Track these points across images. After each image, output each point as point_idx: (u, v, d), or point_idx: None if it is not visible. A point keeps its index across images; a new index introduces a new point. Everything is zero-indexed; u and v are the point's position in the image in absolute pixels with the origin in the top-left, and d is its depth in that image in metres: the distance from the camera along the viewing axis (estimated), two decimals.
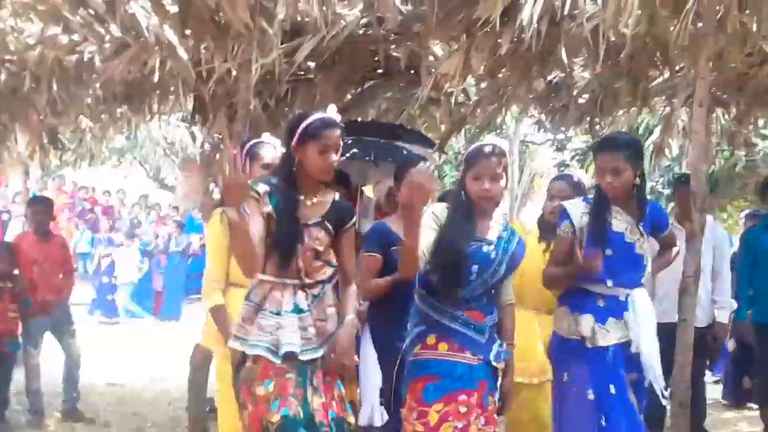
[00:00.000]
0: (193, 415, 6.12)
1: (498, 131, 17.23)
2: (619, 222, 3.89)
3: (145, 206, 16.99)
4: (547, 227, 4.62)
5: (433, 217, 3.54)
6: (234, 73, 6.25)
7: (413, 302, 3.65)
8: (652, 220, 4.02)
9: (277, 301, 3.32)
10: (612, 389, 3.78)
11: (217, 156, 7.64)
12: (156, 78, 6.12)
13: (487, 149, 3.56)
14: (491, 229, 3.61)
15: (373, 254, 4.35)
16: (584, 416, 3.81)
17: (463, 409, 3.44)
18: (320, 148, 3.30)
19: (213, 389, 4.92)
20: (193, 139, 13.52)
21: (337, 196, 3.49)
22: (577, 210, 3.96)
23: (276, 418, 3.19)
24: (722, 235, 6.46)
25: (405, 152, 6.39)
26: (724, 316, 6.23)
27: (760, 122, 8.56)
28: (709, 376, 7.36)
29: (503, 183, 3.56)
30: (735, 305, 6.51)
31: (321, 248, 3.39)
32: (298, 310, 3.32)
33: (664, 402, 4.15)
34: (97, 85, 6.90)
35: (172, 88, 7.03)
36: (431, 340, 3.54)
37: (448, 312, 3.53)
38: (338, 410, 3.34)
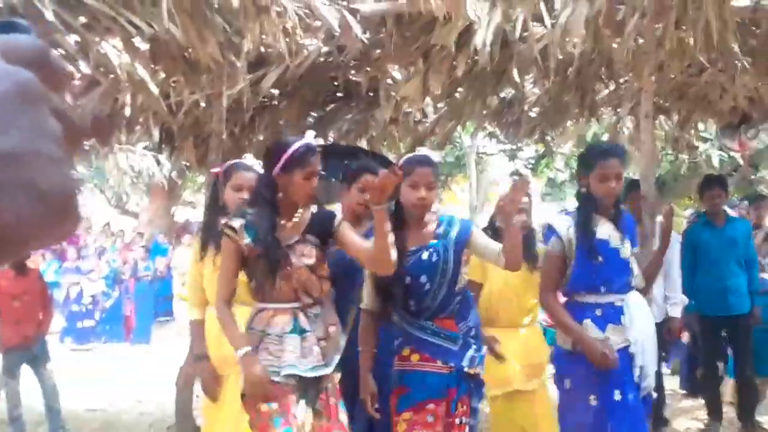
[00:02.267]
0: None
1: (454, 146, 17.54)
2: (603, 229, 3.91)
3: (110, 233, 17.03)
4: (493, 228, 4.60)
5: None
6: (202, 103, 6.48)
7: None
8: (628, 226, 4.03)
9: (278, 325, 3.36)
10: (617, 395, 3.81)
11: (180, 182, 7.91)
12: (128, 112, 6.31)
13: (423, 159, 3.67)
14: (427, 232, 3.68)
15: None
16: (588, 422, 3.83)
17: (430, 419, 3.54)
18: (306, 174, 3.34)
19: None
20: (158, 164, 13.71)
21: (315, 208, 3.51)
22: (563, 224, 3.98)
23: None
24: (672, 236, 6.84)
25: None
26: (677, 311, 6.52)
27: (701, 126, 8.99)
28: (664, 368, 7.71)
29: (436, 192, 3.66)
30: (686, 300, 6.88)
31: (312, 262, 3.40)
32: (300, 330, 3.36)
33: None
34: None
35: (140, 120, 7.20)
36: (406, 351, 3.66)
37: (417, 323, 3.62)
38: None
